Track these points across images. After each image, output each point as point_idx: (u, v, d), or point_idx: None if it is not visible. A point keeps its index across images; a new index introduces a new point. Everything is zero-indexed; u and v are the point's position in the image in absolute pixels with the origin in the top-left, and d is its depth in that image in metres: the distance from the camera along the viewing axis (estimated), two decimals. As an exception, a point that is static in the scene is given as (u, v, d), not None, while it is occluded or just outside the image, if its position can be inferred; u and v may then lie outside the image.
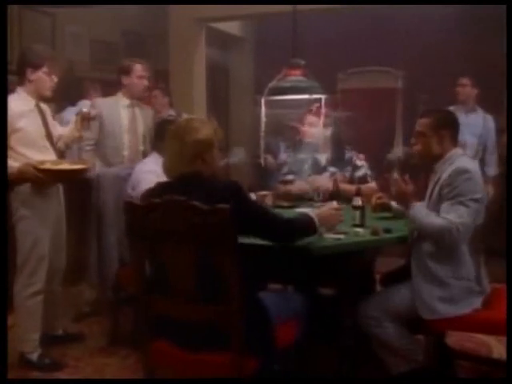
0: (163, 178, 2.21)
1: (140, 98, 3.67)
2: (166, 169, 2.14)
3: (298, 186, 3.40)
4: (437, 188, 2.38)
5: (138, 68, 3.57)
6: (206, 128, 2.10)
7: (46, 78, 2.87)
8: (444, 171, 2.40)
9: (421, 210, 2.37)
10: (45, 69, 2.85)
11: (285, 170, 3.53)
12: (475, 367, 2.80)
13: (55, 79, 2.91)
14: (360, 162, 3.39)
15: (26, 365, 2.88)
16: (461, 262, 2.37)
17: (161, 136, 3.20)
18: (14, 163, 2.72)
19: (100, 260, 3.51)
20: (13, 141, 2.76)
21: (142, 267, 2.06)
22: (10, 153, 2.74)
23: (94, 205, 3.44)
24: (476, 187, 2.33)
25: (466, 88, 4.36)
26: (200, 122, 2.15)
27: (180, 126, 2.14)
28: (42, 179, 2.74)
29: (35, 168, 2.71)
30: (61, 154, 3.11)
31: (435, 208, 2.37)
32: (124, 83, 3.59)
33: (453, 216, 2.28)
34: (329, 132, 3.44)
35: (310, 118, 3.47)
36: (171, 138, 2.13)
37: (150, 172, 3.02)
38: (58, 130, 3.14)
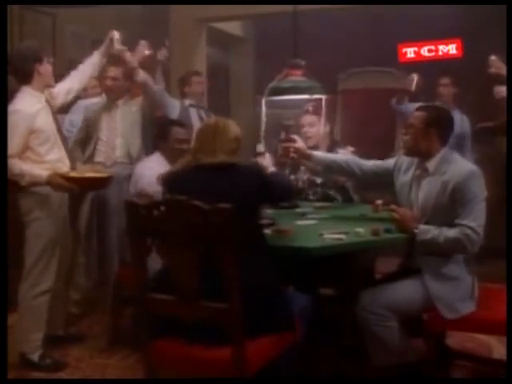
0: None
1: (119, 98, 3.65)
2: (199, 159, 2.25)
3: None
4: (446, 192, 2.37)
5: (111, 69, 3.57)
6: (237, 126, 2.37)
7: (49, 68, 2.92)
8: (446, 172, 2.40)
9: (429, 231, 2.35)
10: (46, 59, 2.89)
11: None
12: (475, 367, 2.80)
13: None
14: (342, 150, 3.37)
15: (26, 365, 2.88)
16: (465, 258, 2.40)
17: (164, 136, 3.18)
18: (42, 172, 2.73)
19: (100, 259, 3.51)
20: (31, 141, 2.77)
21: (143, 266, 2.06)
22: (28, 154, 2.76)
23: (95, 204, 3.45)
24: (484, 187, 2.38)
25: (448, 87, 4.34)
26: (231, 121, 2.39)
27: (220, 123, 2.33)
28: (70, 188, 2.76)
29: (63, 177, 2.73)
30: (68, 149, 3.08)
31: (445, 213, 2.37)
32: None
33: (470, 220, 2.31)
34: (327, 129, 3.43)
35: (309, 118, 3.45)
36: (213, 132, 2.28)
37: (151, 168, 3.04)
38: (63, 86, 3.12)
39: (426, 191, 2.48)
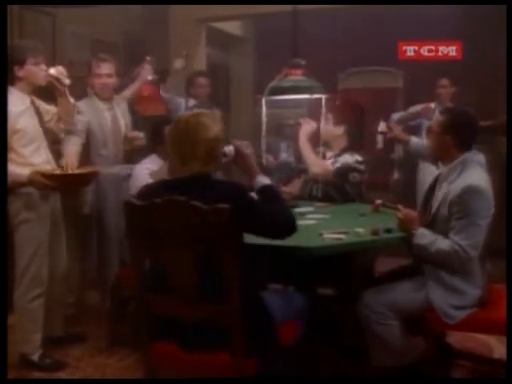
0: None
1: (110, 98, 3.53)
2: (173, 169, 2.04)
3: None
4: (446, 203, 2.34)
5: (103, 66, 3.44)
6: (216, 124, 2.01)
7: (34, 70, 2.82)
8: (453, 182, 2.36)
9: (425, 237, 2.34)
10: (30, 61, 2.80)
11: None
12: (475, 367, 2.80)
13: (44, 67, 2.86)
14: (345, 154, 3.28)
15: (27, 365, 2.88)
16: (474, 272, 2.37)
17: (160, 139, 3.13)
18: (23, 171, 2.70)
19: (100, 260, 3.51)
20: (14, 142, 2.74)
21: (142, 267, 2.06)
22: (11, 155, 2.72)
23: (94, 205, 3.44)
24: (488, 203, 2.30)
25: (447, 89, 4.49)
26: (209, 117, 2.03)
27: (190, 122, 2.00)
28: (51, 186, 2.73)
29: (44, 175, 2.70)
30: (56, 152, 3.06)
31: (445, 224, 2.34)
32: (90, 83, 3.46)
33: (461, 237, 2.26)
34: (341, 130, 3.32)
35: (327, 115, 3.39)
36: (180, 135, 2.00)
37: (147, 169, 3.03)
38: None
39: (437, 196, 2.46)
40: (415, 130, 4.47)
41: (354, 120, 3.33)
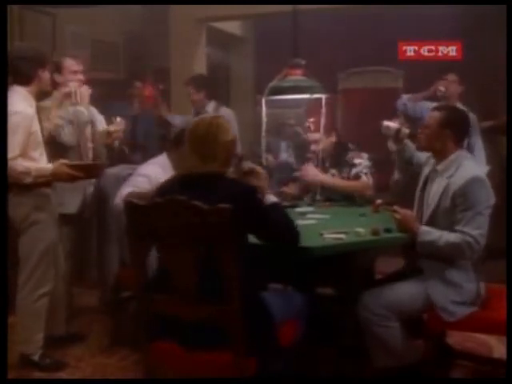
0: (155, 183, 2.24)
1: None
2: (190, 168, 2.09)
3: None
4: (448, 195, 2.35)
5: (70, 63, 3.33)
6: (231, 126, 2.13)
7: (48, 74, 2.90)
8: (452, 176, 2.38)
9: (430, 233, 2.34)
10: (48, 66, 2.88)
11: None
12: (475, 367, 2.80)
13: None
14: (358, 160, 3.29)
15: (27, 365, 2.88)
16: (466, 266, 2.38)
17: (177, 144, 3.09)
18: (47, 165, 2.75)
19: (100, 260, 3.50)
20: (28, 145, 2.74)
21: (142, 267, 2.06)
22: (23, 158, 2.70)
23: (94, 204, 3.44)
24: (490, 194, 2.33)
25: (453, 84, 4.23)
26: (225, 120, 2.15)
27: (212, 124, 2.09)
28: (76, 176, 2.77)
29: (69, 166, 2.75)
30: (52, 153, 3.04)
31: (447, 216, 2.35)
32: (58, 81, 3.31)
33: (470, 228, 2.27)
34: (333, 138, 3.35)
35: (313, 135, 3.40)
36: (202, 136, 2.07)
37: (145, 176, 2.99)
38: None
39: (433, 191, 2.47)
40: (417, 123, 4.42)
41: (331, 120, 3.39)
